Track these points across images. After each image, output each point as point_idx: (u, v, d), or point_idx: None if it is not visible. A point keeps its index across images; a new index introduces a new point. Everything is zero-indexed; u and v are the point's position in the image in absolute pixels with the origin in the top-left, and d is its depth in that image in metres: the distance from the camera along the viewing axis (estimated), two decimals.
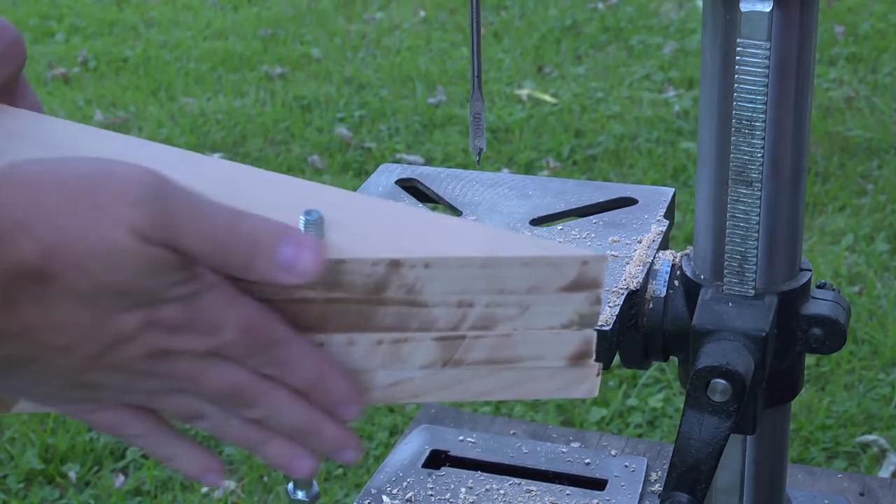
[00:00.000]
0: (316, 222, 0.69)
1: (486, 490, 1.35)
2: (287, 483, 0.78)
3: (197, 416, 0.70)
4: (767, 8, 0.94)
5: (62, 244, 0.62)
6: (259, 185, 0.75)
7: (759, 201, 1.00)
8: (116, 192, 0.63)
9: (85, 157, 0.68)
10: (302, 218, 0.68)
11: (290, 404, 0.70)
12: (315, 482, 0.74)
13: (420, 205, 1.23)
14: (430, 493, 1.35)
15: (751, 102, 0.97)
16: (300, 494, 0.77)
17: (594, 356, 0.74)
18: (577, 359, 0.73)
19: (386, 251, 0.69)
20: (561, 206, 1.23)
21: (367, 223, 0.72)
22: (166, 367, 0.67)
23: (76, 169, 0.65)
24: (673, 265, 1.11)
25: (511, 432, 1.55)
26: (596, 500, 1.33)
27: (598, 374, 0.74)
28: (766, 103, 0.97)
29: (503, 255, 0.69)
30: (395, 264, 0.69)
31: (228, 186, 0.72)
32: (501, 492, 1.35)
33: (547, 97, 4.40)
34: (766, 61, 0.95)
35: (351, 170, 3.95)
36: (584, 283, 0.70)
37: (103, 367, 0.66)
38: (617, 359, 1.09)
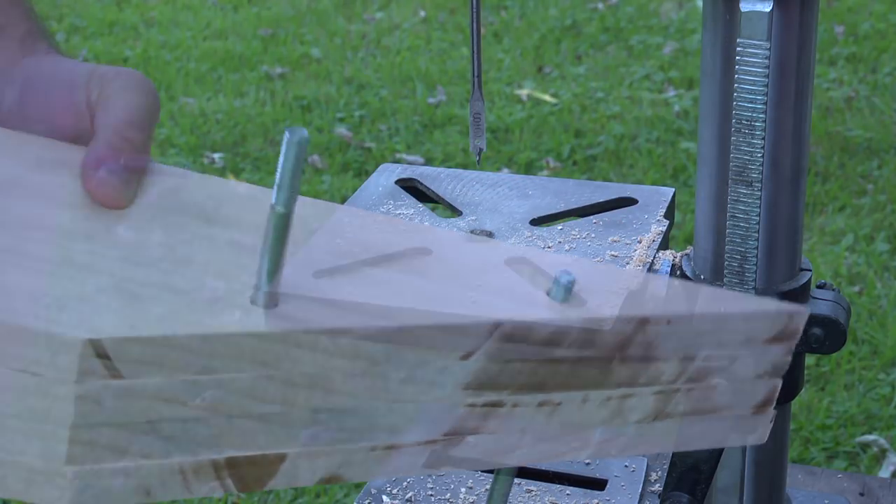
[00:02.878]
0: (569, 284, 0.73)
1: (486, 490, 1.35)
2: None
3: None
4: (767, 8, 0.94)
5: None
6: (466, 248, 0.79)
7: (759, 201, 1.00)
8: None
9: None
10: (556, 280, 0.73)
11: None
12: None
13: (422, 205, 1.23)
14: (430, 493, 1.35)
15: (751, 102, 0.97)
16: None
17: (775, 404, 0.79)
18: (762, 407, 0.78)
19: (635, 309, 0.74)
20: (561, 206, 1.23)
21: (606, 284, 0.77)
22: None
23: None
24: (673, 265, 1.11)
25: None
26: (596, 500, 1.33)
27: (771, 421, 0.79)
28: (766, 103, 0.97)
29: (731, 310, 0.75)
30: (643, 322, 0.73)
31: (438, 248, 0.77)
32: None
33: (547, 97, 4.40)
34: (766, 61, 0.95)
35: (351, 170, 3.95)
36: (786, 334, 0.76)
37: None
38: None
